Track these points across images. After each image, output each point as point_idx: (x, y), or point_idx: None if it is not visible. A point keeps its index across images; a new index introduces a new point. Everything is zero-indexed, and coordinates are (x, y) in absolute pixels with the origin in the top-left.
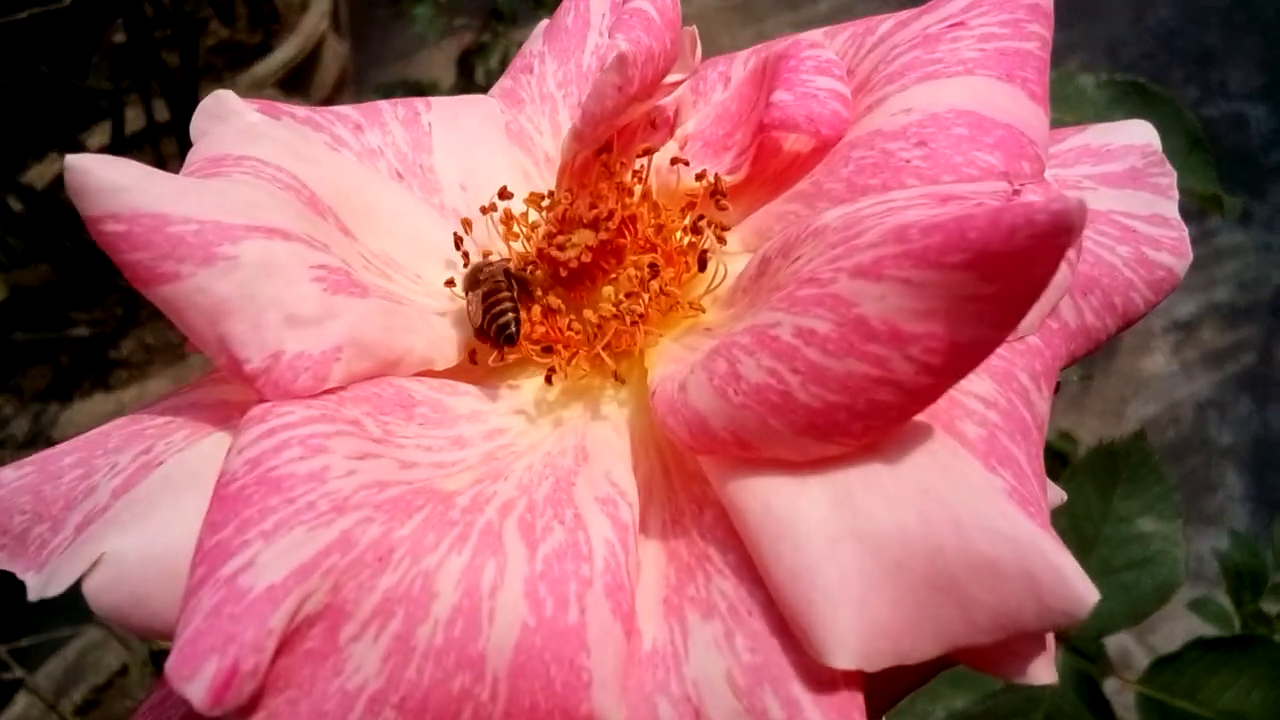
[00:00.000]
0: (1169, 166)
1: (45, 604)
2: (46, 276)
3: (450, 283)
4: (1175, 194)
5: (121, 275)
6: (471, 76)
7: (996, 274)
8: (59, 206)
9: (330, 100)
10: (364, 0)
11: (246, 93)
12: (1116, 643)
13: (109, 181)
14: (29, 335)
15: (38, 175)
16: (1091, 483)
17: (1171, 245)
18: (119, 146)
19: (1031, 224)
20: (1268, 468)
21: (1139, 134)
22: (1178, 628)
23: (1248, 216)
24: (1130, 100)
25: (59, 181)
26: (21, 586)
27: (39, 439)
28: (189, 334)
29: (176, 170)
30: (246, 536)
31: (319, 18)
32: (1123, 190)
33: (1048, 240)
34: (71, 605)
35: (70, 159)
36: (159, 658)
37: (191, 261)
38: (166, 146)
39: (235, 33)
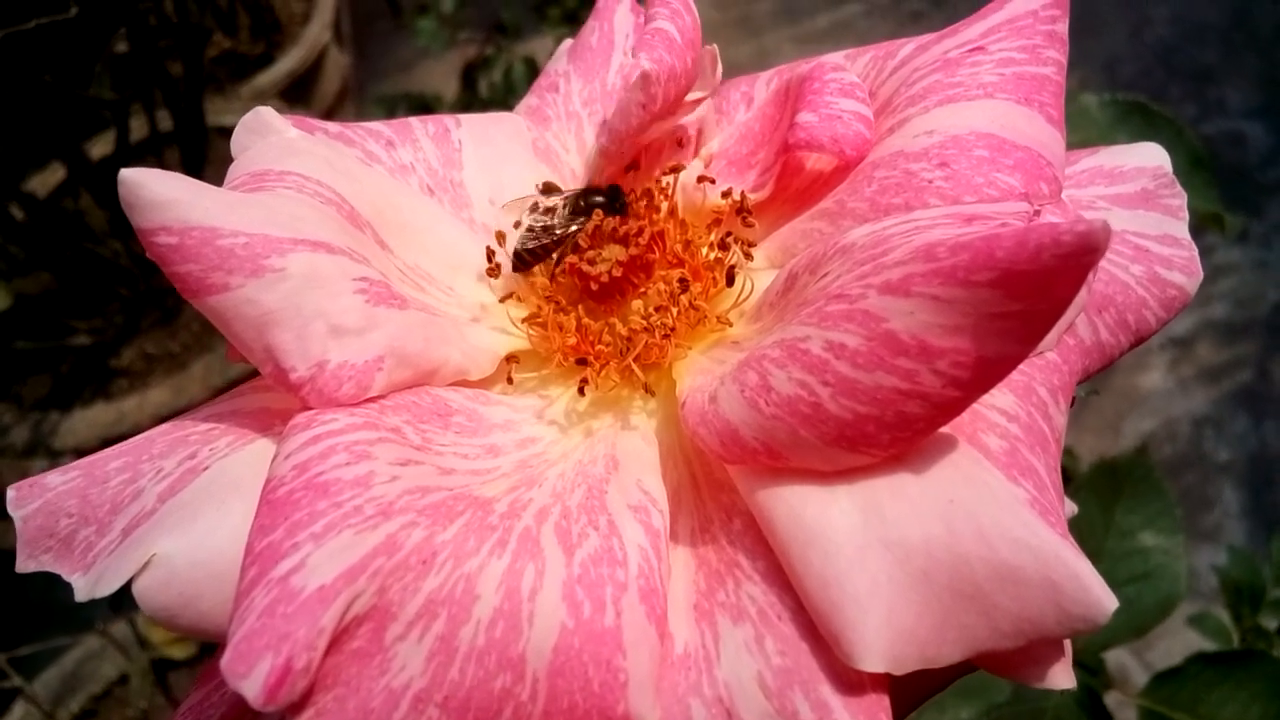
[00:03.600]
0: (1179, 188)
1: (44, 613)
2: (47, 285)
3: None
4: (1185, 215)
5: (123, 284)
6: (475, 89)
7: (1022, 292)
8: (61, 215)
9: (331, 112)
10: (365, 12)
11: (248, 104)
12: (1115, 660)
13: (162, 195)
14: (30, 344)
15: (40, 184)
16: (1094, 498)
17: (1183, 264)
18: (123, 156)
19: (1057, 244)
20: (1264, 484)
21: (1150, 156)
22: (1175, 645)
23: (1244, 234)
24: (1133, 120)
25: (61, 190)
26: (20, 595)
27: (38, 448)
28: (236, 343)
29: None
30: (297, 539)
31: (321, 29)
32: (1135, 211)
33: (1072, 260)
34: (70, 614)
35: (125, 173)
36: (160, 667)
37: (240, 273)
38: (170, 156)
39: (238, 43)
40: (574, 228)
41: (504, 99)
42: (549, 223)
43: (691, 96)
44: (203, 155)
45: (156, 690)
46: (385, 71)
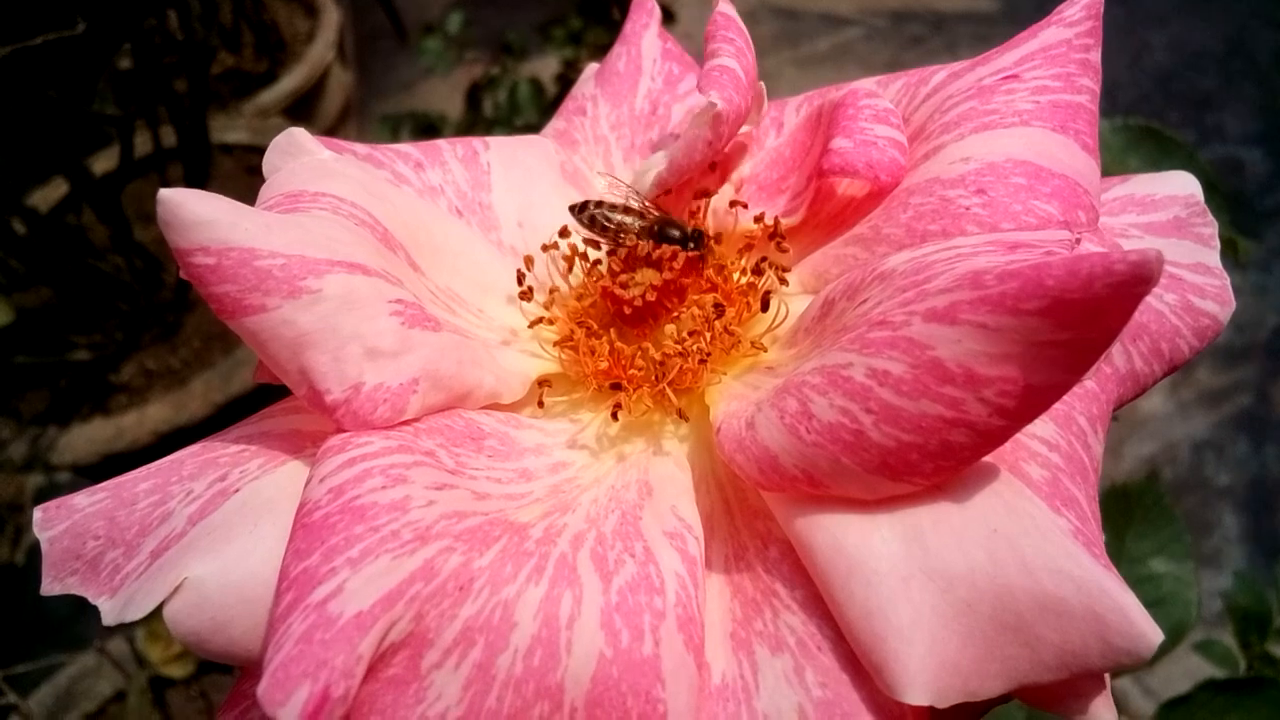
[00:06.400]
0: (1210, 216)
1: (40, 629)
2: (48, 299)
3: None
4: (1217, 243)
5: (123, 300)
6: (479, 109)
7: (1073, 320)
8: (62, 230)
9: (334, 130)
10: (369, 31)
11: (251, 121)
12: (1116, 684)
13: (201, 215)
14: (29, 358)
15: (42, 198)
16: (1104, 524)
17: (1215, 293)
18: (126, 172)
19: (1109, 273)
20: (1265, 508)
21: (1182, 185)
22: (1175, 669)
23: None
24: (1145, 144)
25: (63, 205)
26: (16, 611)
27: (36, 462)
28: (271, 364)
29: None
30: (334, 564)
31: (325, 47)
32: (1168, 239)
33: (1125, 289)
34: (66, 631)
35: (164, 193)
36: (157, 685)
37: (278, 294)
38: (173, 172)
39: (241, 61)
40: (637, 240)
41: (508, 119)
42: (628, 222)
43: (740, 130)
44: (206, 172)
45: (154, 709)
46: (388, 90)
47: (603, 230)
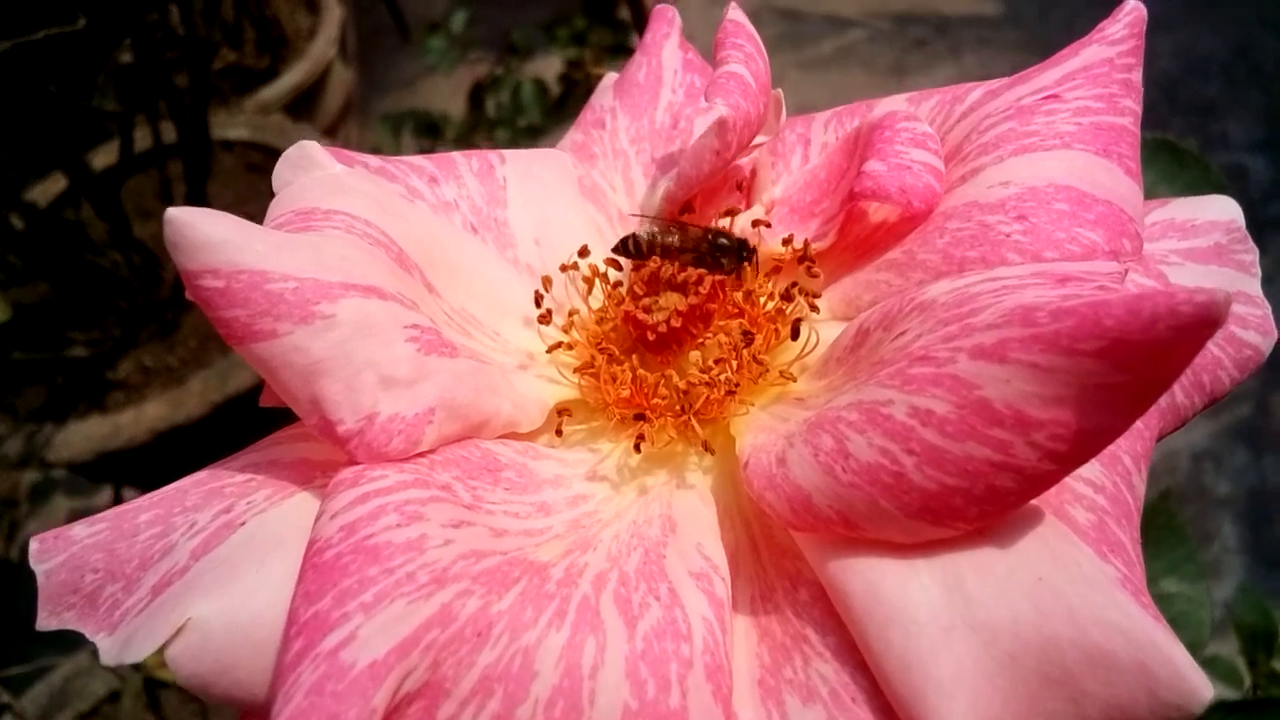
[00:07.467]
0: (1252, 243)
1: (33, 629)
2: (45, 295)
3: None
4: (1258, 271)
5: (121, 296)
6: (482, 109)
7: (1132, 363)
8: (61, 225)
9: (335, 128)
10: (371, 28)
11: (252, 117)
12: None
13: (210, 236)
14: (26, 355)
15: (41, 193)
16: None
17: (1258, 323)
18: (125, 167)
19: (1175, 315)
20: (1264, 519)
21: (1222, 209)
22: None
23: None
24: (1160, 158)
25: (61, 200)
26: (7, 611)
27: (32, 459)
28: (280, 391)
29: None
30: (346, 609)
31: (326, 44)
32: (1208, 266)
33: (1190, 332)
34: (58, 631)
35: (171, 212)
36: (152, 686)
37: (289, 320)
38: (173, 168)
39: (243, 57)
40: (693, 249)
41: (511, 119)
42: (672, 239)
43: (756, 141)
44: (207, 168)
45: (148, 711)
46: (390, 88)
47: (664, 253)
